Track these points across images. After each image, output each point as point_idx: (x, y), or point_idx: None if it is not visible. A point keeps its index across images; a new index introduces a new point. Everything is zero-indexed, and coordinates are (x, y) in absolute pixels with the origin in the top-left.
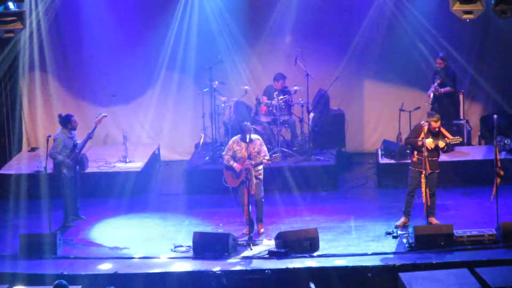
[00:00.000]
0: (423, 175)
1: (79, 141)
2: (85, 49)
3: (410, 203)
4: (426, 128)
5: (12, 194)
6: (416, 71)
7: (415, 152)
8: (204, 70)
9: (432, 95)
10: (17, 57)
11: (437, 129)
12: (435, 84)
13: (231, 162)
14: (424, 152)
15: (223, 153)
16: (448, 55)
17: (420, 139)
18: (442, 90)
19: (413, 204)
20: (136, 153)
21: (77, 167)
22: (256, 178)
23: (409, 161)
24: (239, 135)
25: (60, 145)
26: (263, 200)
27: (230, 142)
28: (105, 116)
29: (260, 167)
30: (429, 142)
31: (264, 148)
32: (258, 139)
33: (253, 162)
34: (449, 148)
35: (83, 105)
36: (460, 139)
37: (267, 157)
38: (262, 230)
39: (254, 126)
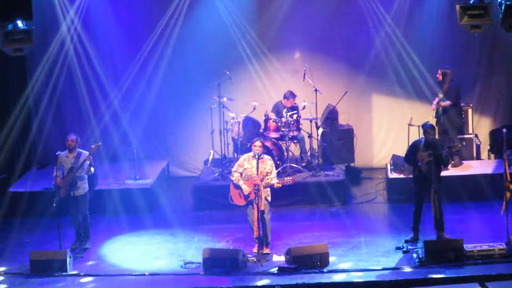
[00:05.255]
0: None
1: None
2: (92, 64)
3: (418, 218)
4: (422, 142)
5: (22, 211)
6: (425, 86)
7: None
8: (212, 86)
9: (435, 108)
10: (28, 74)
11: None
12: (439, 99)
13: (241, 182)
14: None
15: (233, 169)
16: (456, 68)
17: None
18: (442, 103)
19: (420, 219)
20: (146, 170)
21: (71, 192)
22: (265, 199)
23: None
24: (250, 152)
25: (58, 164)
26: (269, 222)
27: (241, 159)
28: (99, 145)
29: (268, 190)
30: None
31: (275, 170)
32: (270, 159)
33: (263, 184)
34: (451, 157)
35: (92, 122)
36: (460, 145)
37: (277, 180)
38: (267, 251)
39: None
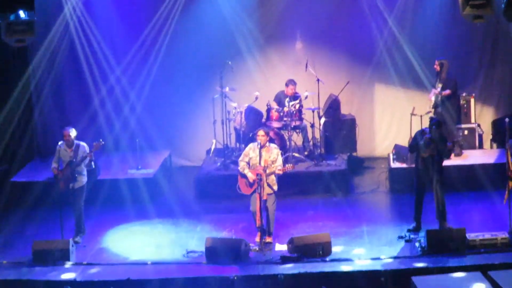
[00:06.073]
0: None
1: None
2: (96, 57)
3: (419, 208)
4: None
5: (24, 201)
6: (427, 75)
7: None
8: (214, 76)
9: (433, 98)
10: (29, 65)
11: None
12: (438, 88)
13: (246, 170)
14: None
15: (239, 159)
16: (458, 59)
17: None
18: (442, 92)
19: (422, 208)
20: (148, 160)
21: (70, 184)
22: (270, 187)
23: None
24: (256, 142)
25: (56, 155)
26: (274, 212)
27: (247, 148)
28: (102, 144)
29: (274, 177)
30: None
31: (280, 158)
32: (276, 148)
33: (267, 171)
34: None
35: (94, 113)
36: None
37: (280, 167)
38: (268, 239)
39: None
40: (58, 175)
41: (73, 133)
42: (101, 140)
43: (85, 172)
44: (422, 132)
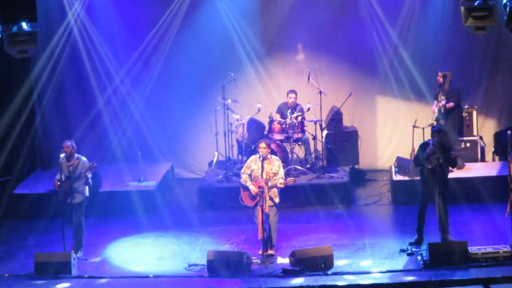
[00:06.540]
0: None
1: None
2: (98, 67)
3: (422, 220)
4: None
5: (27, 213)
6: (429, 87)
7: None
8: (217, 88)
9: (436, 110)
10: (31, 74)
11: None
12: (443, 101)
13: (248, 183)
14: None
15: (241, 171)
16: (459, 70)
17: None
18: (447, 105)
19: (425, 221)
20: (150, 172)
21: (68, 199)
22: (271, 200)
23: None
24: (258, 154)
25: (59, 167)
26: (276, 224)
27: (249, 160)
28: (95, 166)
29: (276, 189)
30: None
31: (282, 170)
32: (278, 160)
33: (269, 184)
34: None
35: (96, 123)
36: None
37: (282, 180)
38: (270, 252)
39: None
40: (57, 187)
41: (72, 145)
42: (94, 163)
43: (82, 189)
44: (425, 144)
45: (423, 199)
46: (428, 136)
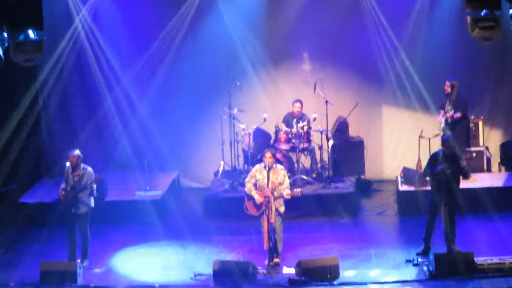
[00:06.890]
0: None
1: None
2: (103, 74)
3: (431, 230)
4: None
5: (33, 222)
6: (435, 97)
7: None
8: (223, 97)
9: (443, 120)
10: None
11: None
12: (451, 111)
13: (253, 192)
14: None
15: (246, 180)
16: (465, 81)
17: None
18: (455, 115)
19: (433, 231)
20: (156, 181)
21: (72, 209)
22: (276, 209)
23: (429, 188)
24: (262, 163)
25: (65, 176)
26: (282, 233)
27: (253, 169)
28: (100, 179)
29: (281, 199)
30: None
31: (287, 180)
32: (283, 169)
33: (275, 194)
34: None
35: (102, 131)
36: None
37: (288, 192)
38: (276, 260)
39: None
40: (61, 197)
41: (78, 156)
42: (99, 175)
43: (87, 200)
44: (435, 154)
45: (432, 209)
46: (434, 147)
